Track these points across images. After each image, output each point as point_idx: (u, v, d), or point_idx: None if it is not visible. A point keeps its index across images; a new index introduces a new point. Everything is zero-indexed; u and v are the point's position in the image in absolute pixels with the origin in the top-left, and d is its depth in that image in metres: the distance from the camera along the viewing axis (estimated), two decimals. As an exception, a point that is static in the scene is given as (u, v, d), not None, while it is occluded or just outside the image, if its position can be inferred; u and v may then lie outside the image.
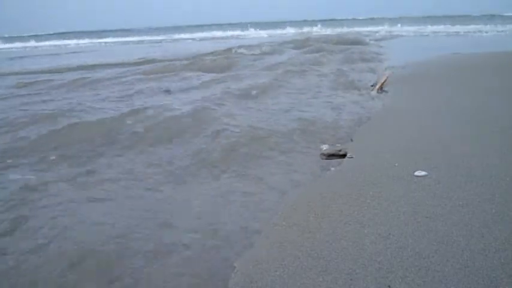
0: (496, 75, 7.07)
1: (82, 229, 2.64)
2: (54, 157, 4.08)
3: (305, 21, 46.53)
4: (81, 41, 35.84)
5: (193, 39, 32.13)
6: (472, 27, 26.03)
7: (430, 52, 11.99)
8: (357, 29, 31.67)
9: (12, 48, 31.79)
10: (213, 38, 31.85)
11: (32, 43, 36.84)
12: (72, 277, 2.16)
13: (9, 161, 4.02)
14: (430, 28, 27.36)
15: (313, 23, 40.81)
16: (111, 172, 3.65)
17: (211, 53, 14.70)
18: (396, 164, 3.13)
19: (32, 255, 2.38)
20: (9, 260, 2.36)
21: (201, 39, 30.74)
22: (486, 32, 22.49)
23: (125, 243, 2.46)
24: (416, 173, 2.92)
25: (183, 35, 37.32)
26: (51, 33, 51.26)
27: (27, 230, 2.69)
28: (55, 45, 32.60)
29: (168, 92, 7.28)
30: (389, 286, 1.79)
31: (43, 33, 51.13)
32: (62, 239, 2.53)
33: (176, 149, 4.20)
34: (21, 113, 5.92)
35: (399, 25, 32.06)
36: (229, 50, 15.29)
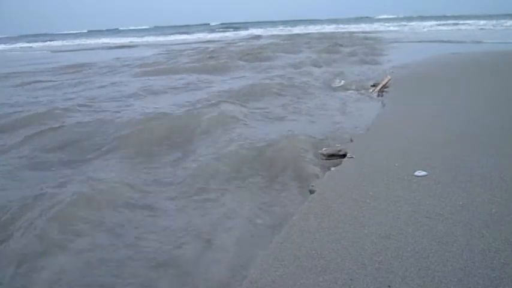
0: (496, 74, 7.07)
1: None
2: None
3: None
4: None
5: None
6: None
7: (431, 52, 11.99)
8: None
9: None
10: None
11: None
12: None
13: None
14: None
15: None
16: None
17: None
18: (396, 164, 3.13)
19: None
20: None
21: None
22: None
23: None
24: (416, 173, 2.92)
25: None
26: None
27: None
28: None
29: None
30: (389, 286, 1.79)
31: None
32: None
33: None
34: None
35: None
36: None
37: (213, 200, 3.16)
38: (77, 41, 38.28)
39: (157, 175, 3.69)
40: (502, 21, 32.06)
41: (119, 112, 5.92)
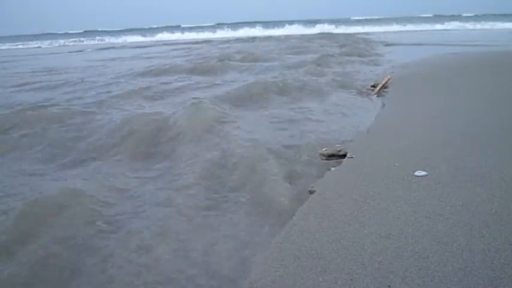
0: (496, 74, 7.08)
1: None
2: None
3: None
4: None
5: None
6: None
7: (430, 51, 12.01)
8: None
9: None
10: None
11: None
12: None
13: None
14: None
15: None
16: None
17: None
18: (396, 164, 3.13)
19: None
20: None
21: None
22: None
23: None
24: (416, 173, 2.92)
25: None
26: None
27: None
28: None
29: None
30: (389, 286, 1.78)
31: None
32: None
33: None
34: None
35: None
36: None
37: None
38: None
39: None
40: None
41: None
